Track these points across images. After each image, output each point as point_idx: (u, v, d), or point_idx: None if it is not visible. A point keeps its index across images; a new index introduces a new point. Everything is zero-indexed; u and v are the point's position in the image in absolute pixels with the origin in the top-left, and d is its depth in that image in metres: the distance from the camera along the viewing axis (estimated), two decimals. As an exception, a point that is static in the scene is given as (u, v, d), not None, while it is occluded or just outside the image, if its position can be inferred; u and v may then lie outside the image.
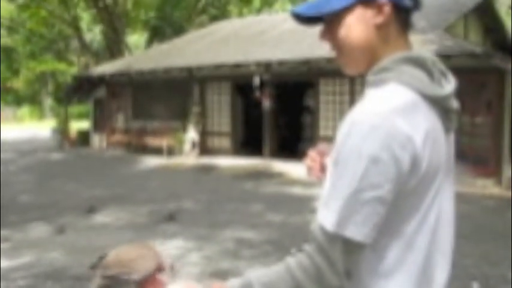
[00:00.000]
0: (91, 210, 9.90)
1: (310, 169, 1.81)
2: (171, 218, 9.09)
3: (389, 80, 1.37)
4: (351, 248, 1.29)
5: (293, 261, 1.34)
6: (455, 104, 1.43)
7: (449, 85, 1.42)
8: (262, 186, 12.97)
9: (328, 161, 1.50)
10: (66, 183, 13.55)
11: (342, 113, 15.52)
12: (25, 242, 7.86)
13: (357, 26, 1.40)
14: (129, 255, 1.57)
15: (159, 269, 1.57)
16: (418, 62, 1.38)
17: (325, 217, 1.30)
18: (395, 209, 1.31)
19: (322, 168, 1.75)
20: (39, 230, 8.60)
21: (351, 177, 1.27)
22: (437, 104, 1.37)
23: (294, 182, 13.28)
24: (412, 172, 1.29)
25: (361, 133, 1.27)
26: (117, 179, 14.55)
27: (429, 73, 1.39)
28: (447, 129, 1.41)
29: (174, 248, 7.26)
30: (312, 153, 1.82)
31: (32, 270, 6.40)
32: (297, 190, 12.18)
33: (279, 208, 10.07)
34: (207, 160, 17.55)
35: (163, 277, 1.56)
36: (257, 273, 1.39)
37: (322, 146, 1.82)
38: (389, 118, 1.27)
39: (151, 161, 18.06)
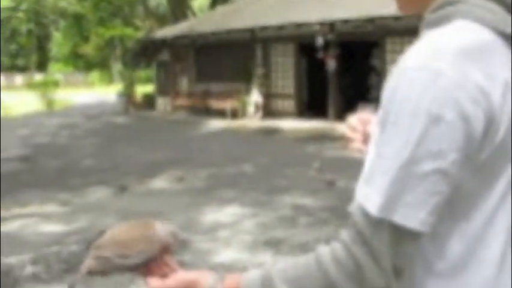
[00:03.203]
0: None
1: (350, 141, 1.44)
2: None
3: (455, 15, 1.01)
4: (401, 237, 0.96)
5: (326, 253, 1.02)
6: None
7: None
8: (325, 150, 12.61)
9: (374, 128, 1.15)
10: (129, 147, 13.63)
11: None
12: (83, 206, 7.87)
13: None
14: (127, 235, 1.29)
15: (165, 250, 1.27)
16: None
17: (368, 197, 0.97)
18: (463, 187, 0.98)
19: (366, 139, 1.38)
20: (98, 194, 8.61)
21: (403, 144, 0.93)
22: None
23: (358, 145, 12.84)
24: (486, 136, 0.94)
25: (416, 83, 0.93)
26: (179, 142, 14.54)
27: (505, 6, 1.02)
28: None
29: (228, 215, 7.06)
30: (353, 121, 1.44)
31: (86, 235, 6.33)
32: (362, 154, 11.76)
33: (341, 173, 9.69)
34: (270, 123, 17.33)
35: (171, 260, 1.26)
36: (280, 265, 1.09)
37: (365, 111, 1.44)
38: (456, 63, 0.93)
39: (215, 124, 17.99)
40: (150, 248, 1.25)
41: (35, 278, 5.01)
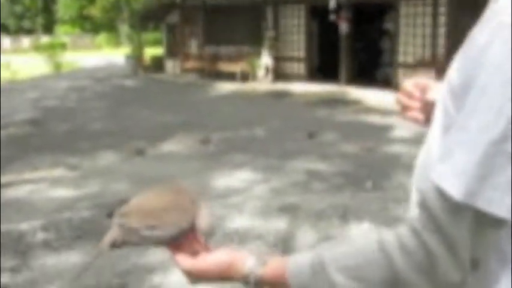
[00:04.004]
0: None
1: (405, 109, 1.27)
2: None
3: None
4: (484, 225, 0.82)
5: (391, 238, 0.89)
6: None
7: None
8: (337, 114, 12.44)
9: (437, 95, 1.00)
10: (138, 110, 13.50)
11: (424, 38, 14.67)
12: (93, 170, 7.77)
13: None
14: (157, 204, 1.11)
15: (200, 222, 1.10)
16: None
17: (447, 177, 0.82)
18: None
19: (424, 108, 1.23)
20: (108, 158, 8.51)
21: (494, 115, 0.78)
22: None
23: (371, 109, 12.66)
24: None
25: None
26: (189, 105, 14.38)
27: None
28: None
29: (241, 180, 6.95)
30: (408, 86, 1.26)
31: (97, 200, 6.25)
32: (374, 119, 11.58)
33: (354, 137, 9.54)
34: (280, 86, 17.14)
35: (201, 236, 1.10)
36: (334, 251, 0.96)
37: (422, 76, 1.27)
38: None
39: (225, 87, 17.80)
40: (183, 219, 1.09)
41: (46, 244, 4.93)
